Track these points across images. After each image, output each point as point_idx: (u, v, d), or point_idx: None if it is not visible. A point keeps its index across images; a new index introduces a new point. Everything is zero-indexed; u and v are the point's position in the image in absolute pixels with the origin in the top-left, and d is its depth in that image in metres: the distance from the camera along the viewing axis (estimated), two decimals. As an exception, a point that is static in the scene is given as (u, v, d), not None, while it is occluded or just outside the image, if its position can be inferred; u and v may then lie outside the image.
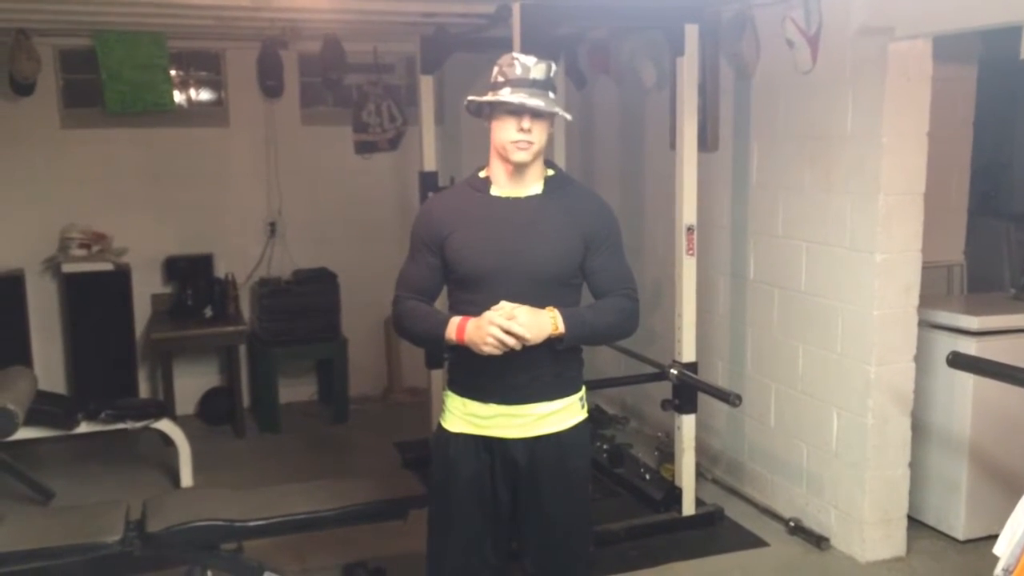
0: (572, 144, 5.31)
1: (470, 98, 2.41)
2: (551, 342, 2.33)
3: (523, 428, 2.42)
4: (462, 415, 2.46)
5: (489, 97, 2.34)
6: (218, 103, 5.90)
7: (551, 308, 2.33)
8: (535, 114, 2.30)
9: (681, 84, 3.91)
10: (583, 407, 2.53)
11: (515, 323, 2.25)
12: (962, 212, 4.62)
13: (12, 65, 5.15)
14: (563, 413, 2.46)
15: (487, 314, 2.28)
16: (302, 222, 6.01)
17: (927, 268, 3.77)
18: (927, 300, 3.78)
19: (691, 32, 3.86)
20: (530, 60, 2.34)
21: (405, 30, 5.02)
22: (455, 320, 2.35)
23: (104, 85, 5.36)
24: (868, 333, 3.66)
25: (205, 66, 5.86)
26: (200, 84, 5.90)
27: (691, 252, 3.99)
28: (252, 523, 3.17)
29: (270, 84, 5.77)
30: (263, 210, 5.94)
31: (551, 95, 2.34)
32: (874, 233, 3.59)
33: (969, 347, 3.66)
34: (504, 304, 2.28)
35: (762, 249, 4.28)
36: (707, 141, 4.42)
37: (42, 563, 3.01)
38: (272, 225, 5.95)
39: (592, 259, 2.44)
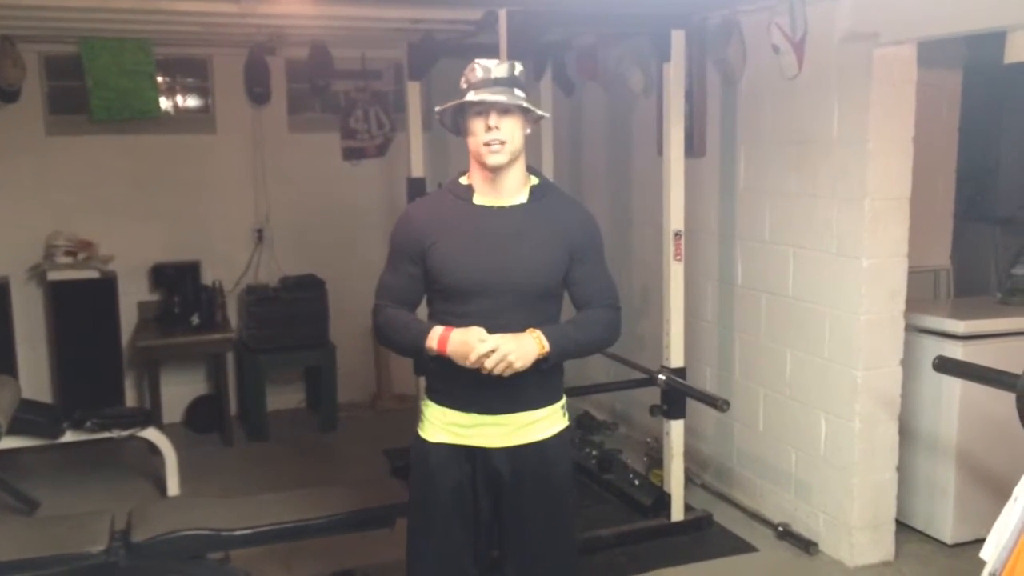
0: (560, 150, 5.32)
1: (437, 109, 2.38)
2: (537, 362, 2.30)
3: (505, 437, 2.38)
4: (442, 425, 2.41)
5: (453, 102, 2.31)
6: (205, 110, 5.88)
7: (532, 329, 2.30)
8: (501, 110, 2.26)
9: (668, 90, 3.92)
10: (564, 415, 2.50)
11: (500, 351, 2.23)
12: (948, 217, 4.65)
13: (-3, 72, 5.13)
14: (546, 421, 2.43)
15: (474, 338, 2.25)
16: (290, 229, 5.99)
17: (914, 273, 3.79)
18: (914, 305, 3.79)
19: (678, 38, 3.87)
20: (491, 62, 2.31)
21: (392, 36, 5.01)
22: (438, 330, 2.31)
23: (90, 92, 5.34)
24: (855, 338, 3.67)
25: (192, 72, 5.84)
26: (187, 91, 5.87)
27: (679, 257, 3.99)
28: (239, 532, 3.15)
29: (257, 91, 5.76)
30: (250, 217, 5.93)
31: (517, 92, 2.30)
32: (860, 238, 3.60)
33: (956, 351, 3.67)
34: (485, 336, 2.25)
35: (749, 254, 4.29)
36: (694, 146, 4.43)
37: (26, 574, 2.97)
38: (259, 232, 5.93)
39: (576, 270, 2.41)
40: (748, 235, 4.28)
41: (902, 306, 3.70)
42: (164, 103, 5.70)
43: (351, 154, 6.04)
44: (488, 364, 2.23)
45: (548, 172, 5.02)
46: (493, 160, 2.29)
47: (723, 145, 4.40)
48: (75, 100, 5.43)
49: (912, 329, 3.83)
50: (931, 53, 3.62)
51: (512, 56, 3.60)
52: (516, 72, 2.33)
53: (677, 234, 3.97)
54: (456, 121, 2.38)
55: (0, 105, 5.27)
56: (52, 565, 2.99)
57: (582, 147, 5.80)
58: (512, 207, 2.38)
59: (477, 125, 2.28)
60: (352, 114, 5.97)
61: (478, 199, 2.38)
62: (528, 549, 2.45)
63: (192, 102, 5.90)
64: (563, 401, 2.50)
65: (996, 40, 3.00)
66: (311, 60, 5.66)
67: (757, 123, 4.15)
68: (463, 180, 2.43)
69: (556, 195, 2.49)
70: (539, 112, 2.34)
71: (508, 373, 2.25)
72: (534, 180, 2.43)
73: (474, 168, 2.38)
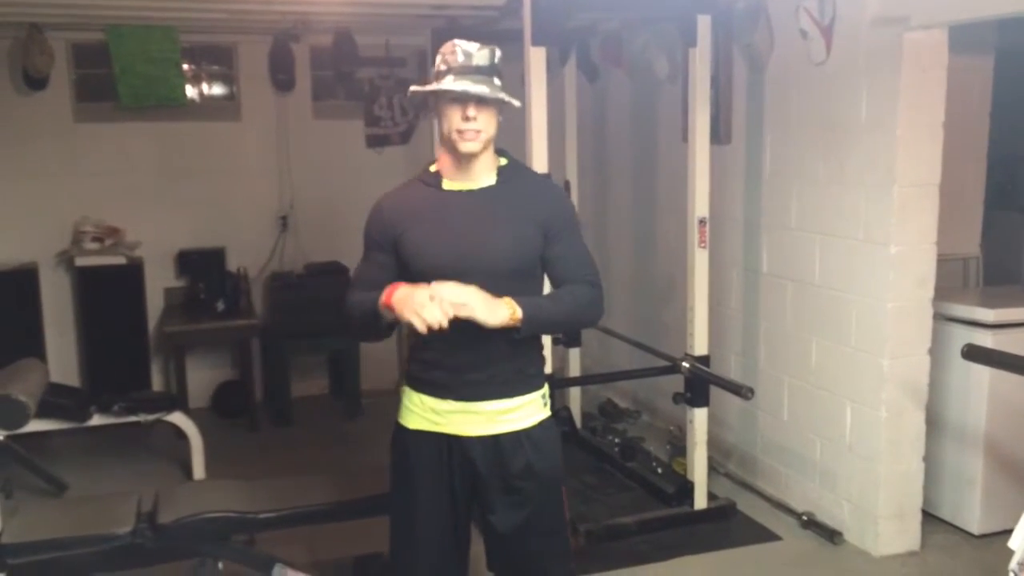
0: (584, 137, 5.30)
1: (412, 89, 2.34)
2: (508, 332, 2.23)
3: (481, 425, 2.34)
4: (420, 412, 2.38)
5: (430, 87, 2.26)
6: (230, 97, 5.92)
7: (507, 297, 2.23)
8: (480, 101, 2.22)
9: (693, 76, 3.88)
10: (546, 404, 2.43)
11: (455, 295, 2.14)
12: (978, 204, 4.58)
13: (25, 59, 5.18)
14: (524, 410, 2.37)
15: (425, 287, 2.15)
16: (314, 216, 6.01)
17: (943, 261, 3.74)
18: (942, 293, 3.75)
19: (704, 23, 3.83)
20: (472, 46, 2.25)
21: (417, 23, 5.01)
22: (390, 286, 2.25)
23: (117, 79, 5.38)
24: (882, 326, 3.63)
25: (217, 60, 5.87)
26: (212, 78, 5.91)
27: (703, 245, 3.97)
28: (263, 515, 3.17)
29: (282, 78, 5.79)
30: (275, 204, 5.96)
31: (496, 81, 2.26)
32: (888, 225, 3.56)
33: (985, 340, 3.63)
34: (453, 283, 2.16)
35: (775, 242, 4.25)
36: (720, 133, 4.39)
37: (54, 554, 3.02)
38: (284, 219, 5.97)
39: (551, 248, 2.35)
40: (774, 222, 4.24)
41: (930, 294, 3.66)
42: (190, 91, 5.74)
43: (375, 141, 6.05)
44: (441, 302, 2.11)
45: (572, 158, 5.02)
46: (467, 147, 2.25)
47: (749, 132, 4.37)
48: (102, 87, 5.48)
49: (940, 317, 3.78)
50: (962, 37, 3.56)
51: (536, 42, 3.59)
52: (496, 59, 2.27)
53: (702, 221, 3.95)
54: (426, 98, 2.33)
55: (28, 92, 5.33)
56: (80, 545, 3.03)
57: (606, 134, 5.78)
58: (481, 190, 2.34)
59: (453, 112, 2.23)
60: (376, 101, 5.98)
61: (447, 184, 2.34)
62: (513, 547, 2.39)
63: (217, 89, 5.94)
64: (544, 390, 2.43)
65: (1029, 24, 2.96)
66: (335, 47, 5.66)
67: (784, 109, 4.11)
68: (432, 167, 2.40)
69: (525, 174, 2.45)
70: (516, 103, 2.29)
71: (464, 314, 2.13)
72: (502, 161, 2.39)
73: (443, 153, 2.34)
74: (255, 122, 5.88)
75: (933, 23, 3.38)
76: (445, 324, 2.12)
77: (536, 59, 3.60)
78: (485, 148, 2.29)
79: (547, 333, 2.41)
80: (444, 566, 2.44)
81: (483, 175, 2.34)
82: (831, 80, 3.78)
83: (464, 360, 2.27)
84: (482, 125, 2.23)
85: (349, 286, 2.45)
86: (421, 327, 2.12)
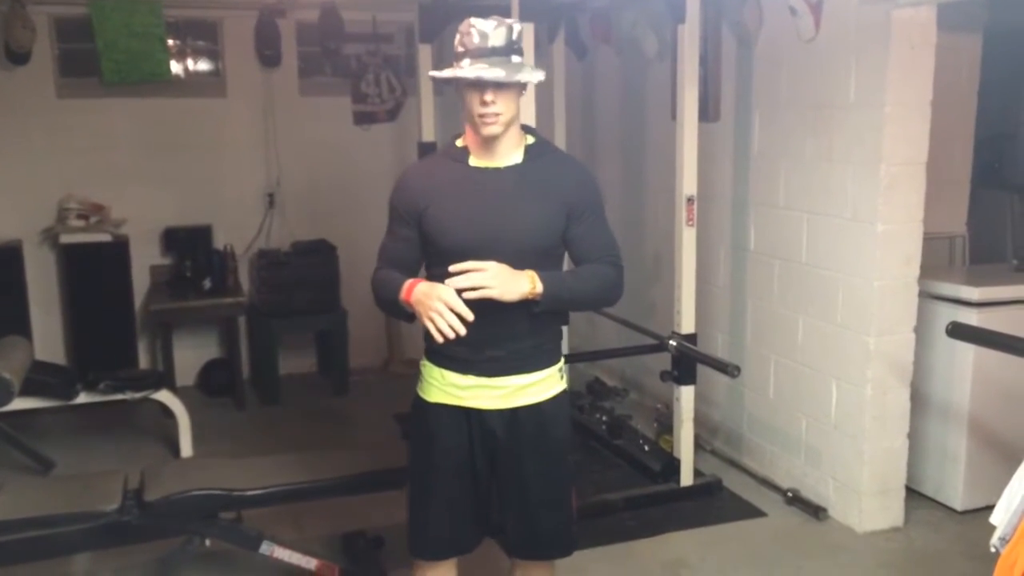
0: (573, 114, 5.28)
1: (431, 74, 2.33)
2: (527, 304, 2.26)
3: (501, 399, 2.37)
4: (440, 386, 2.40)
5: (447, 72, 2.24)
6: (215, 73, 5.86)
7: (530, 271, 2.26)
8: (497, 85, 2.20)
9: (682, 53, 3.86)
10: (562, 378, 2.48)
11: (478, 277, 2.17)
12: (965, 183, 4.60)
13: (7, 34, 5.12)
14: (542, 384, 2.41)
15: (444, 288, 2.18)
16: (301, 193, 5.98)
17: (929, 239, 3.75)
18: (928, 271, 3.76)
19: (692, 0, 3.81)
20: (488, 25, 2.20)
21: (403, -2, 4.96)
22: (409, 280, 2.28)
23: (100, 54, 5.33)
24: (868, 304, 3.65)
25: (202, 35, 5.81)
26: (197, 54, 5.84)
27: (691, 223, 3.96)
28: (251, 492, 3.17)
29: (268, 54, 5.74)
30: (261, 181, 5.92)
31: (515, 59, 2.23)
32: (875, 203, 3.56)
33: (970, 318, 3.65)
34: (470, 264, 2.18)
35: (763, 220, 4.25)
36: (708, 111, 4.38)
37: (40, 531, 3.01)
38: (270, 196, 5.93)
39: (574, 228, 2.36)
40: (762, 200, 4.24)
41: (916, 272, 3.67)
42: (175, 66, 5.67)
43: (362, 118, 6.01)
44: (467, 278, 2.16)
45: (560, 137, 5.00)
46: (488, 132, 2.25)
47: (738, 109, 4.35)
48: (86, 63, 5.42)
49: (926, 296, 3.80)
50: (951, 15, 3.55)
51: (523, 17, 3.56)
52: (514, 36, 2.25)
53: (690, 199, 3.94)
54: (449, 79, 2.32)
55: (11, 68, 5.27)
56: (66, 523, 3.03)
57: (595, 112, 5.75)
58: (508, 168, 2.34)
59: (472, 97, 2.22)
60: (363, 78, 5.94)
61: (474, 161, 2.35)
62: (524, 511, 2.45)
63: (203, 65, 5.88)
64: (560, 364, 2.48)
65: (1018, 3, 2.95)
66: (322, 23, 5.61)
67: (773, 87, 4.10)
68: (459, 142, 2.39)
69: (552, 153, 2.45)
70: (536, 79, 2.27)
71: (479, 296, 2.17)
72: (529, 139, 2.39)
73: (469, 131, 2.34)
74: (241, 98, 5.83)
75: (922, 0, 3.36)
76: (463, 332, 2.16)
77: (524, 35, 3.56)
78: (507, 129, 2.29)
79: (566, 309, 2.43)
80: (460, 537, 2.49)
81: (510, 153, 2.34)
82: (820, 57, 3.77)
83: (485, 336, 2.27)
84: (501, 108, 2.22)
85: (377, 257, 2.46)
86: (437, 337, 2.18)
